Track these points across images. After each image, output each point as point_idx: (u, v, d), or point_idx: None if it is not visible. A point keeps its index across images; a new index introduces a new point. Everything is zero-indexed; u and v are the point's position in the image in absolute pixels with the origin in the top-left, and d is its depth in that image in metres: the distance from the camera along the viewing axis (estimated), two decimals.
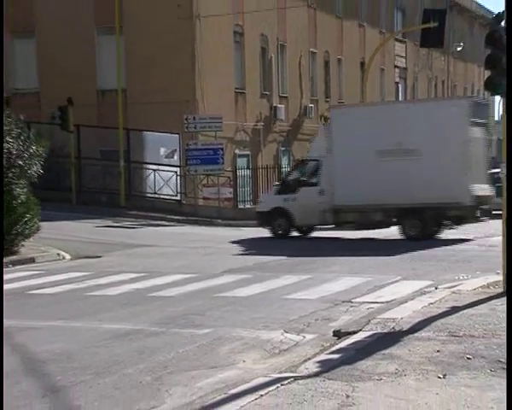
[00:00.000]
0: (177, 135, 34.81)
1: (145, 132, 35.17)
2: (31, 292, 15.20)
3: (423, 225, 24.36)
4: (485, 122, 25.51)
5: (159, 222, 32.02)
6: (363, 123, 24.86)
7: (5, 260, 19.77)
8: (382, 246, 23.37)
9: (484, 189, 24.74)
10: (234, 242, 24.89)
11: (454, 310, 11.45)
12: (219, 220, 32.61)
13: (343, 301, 13.51)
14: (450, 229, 25.34)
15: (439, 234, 24.88)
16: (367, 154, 24.33)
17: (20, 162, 20.99)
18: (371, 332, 10.22)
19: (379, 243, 24.38)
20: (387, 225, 25.46)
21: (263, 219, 26.68)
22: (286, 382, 7.94)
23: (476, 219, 25.25)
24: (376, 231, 25.80)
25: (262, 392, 7.59)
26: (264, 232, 26.62)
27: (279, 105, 41.85)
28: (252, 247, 23.61)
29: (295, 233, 26.58)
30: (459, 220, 24.74)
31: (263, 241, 25.56)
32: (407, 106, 27.86)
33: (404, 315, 11.22)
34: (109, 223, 30.32)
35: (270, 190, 29.50)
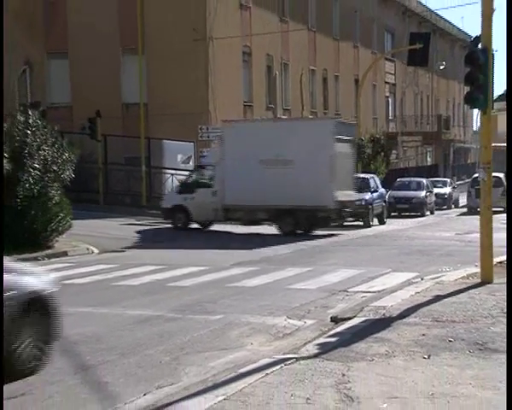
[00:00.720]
0: (192, 143, 34.82)
1: (164, 141, 35.16)
2: (63, 282, 15.20)
3: (296, 224, 25.57)
4: (350, 139, 26.89)
5: None
6: (249, 136, 26.10)
7: (41, 253, 19.82)
8: (269, 239, 24.28)
9: (348, 195, 26.30)
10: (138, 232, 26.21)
11: (438, 298, 11.44)
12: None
13: (340, 291, 13.50)
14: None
15: (312, 231, 25.95)
16: (252, 162, 25.37)
17: (55, 168, 21.03)
18: (364, 318, 10.21)
19: (263, 238, 25.03)
20: (270, 222, 26.59)
21: (166, 213, 27.81)
22: (289, 362, 7.94)
23: (342, 220, 27.16)
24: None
25: (268, 371, 7.60)
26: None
27: (283, 117, 41.80)
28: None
29: (195, 226, 27.69)
30: (326, 221, 25.90)
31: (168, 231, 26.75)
32: (284, 123, 29.13)
33: (394, 303, 11.21)
34: (132, 221, 30.29)
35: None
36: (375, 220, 30.60)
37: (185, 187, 27.72)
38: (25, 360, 8.07)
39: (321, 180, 24.61)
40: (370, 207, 29.94)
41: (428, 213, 37.69)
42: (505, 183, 38.80)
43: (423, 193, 37.76)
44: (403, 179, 40.25)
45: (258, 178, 25.16)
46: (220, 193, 26.16)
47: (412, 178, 41.05)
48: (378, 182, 33.02)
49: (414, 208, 36.62)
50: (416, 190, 37.89)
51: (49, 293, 8.60)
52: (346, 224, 29.17)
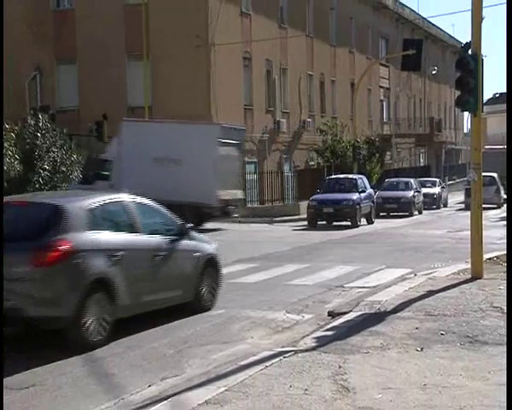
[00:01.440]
0: None
1: None
2: None
3: (183, 218, 25.69)
4: (237, 143, 27.90)
5: None
6: (144, 135, 26.83)
7: None
8: None
9: (231, 193, 27.39)
10: None
11: (430, 293, 11.44)
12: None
13: (336, 286, 13.51)
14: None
15: (200, 226, 26.30)
16: (146, 159, 26.09)
17: (64, 168, 21.09)
18: (360, 312, 10.21)
19: None
20: None
21: None
22: (288, 355, 7.95)
23: (227, 216, 27.92)
24: None
25: (267, 363, 7.60)
26: None
27: (281, 119, 41.79)
28: None
29: None
30: (210, 217, 27.01)
31: None
32: (175, 126, 29.20)
33: (388, 298, 11.21)
34: None
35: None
36: (364, 220, 29.86)
37: (86, 178, 27.67)
38: (206, 300, 11.32)
39: (205, 180, 25.52)
40: (358, 207, 28.92)
41: (417, 212, 36.83)
42: (498, 182, 39.84)
43: (411, 193, 36.80)
44: (391, 180, 39.50)
45: (151, 174, 25.80)
46: (117, 186, 26.78)
47: (400, 179, 40.12)
48: (366, 182, 31.90)
49: (402, 208, 35.66)
50: (404, 190, 36.99)
51: (216, 255, 11.86)
52: (334, 224, 28.78)
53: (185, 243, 11.00)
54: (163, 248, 10.40)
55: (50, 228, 8.88)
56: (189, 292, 10.97)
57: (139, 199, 10.76)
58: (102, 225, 9.50)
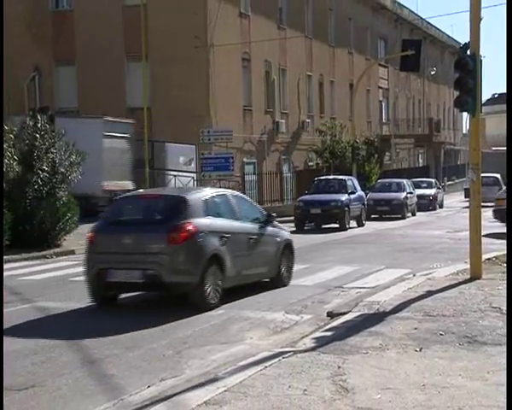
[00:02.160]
0: (193, 146, 34.74)
1: (167, 144, 35.08)
2: (72, 279, 15.22)
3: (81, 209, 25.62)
4: (125, 136, 29.70)
5: None
6: None
7: (50, 252, 19.81)
8: None
9: (119, 184, 28.71)
10: None
11: (429, 294, 11.44)
12: None
13: (335, 287, 13.50)
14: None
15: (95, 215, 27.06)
16: None
17: (62, 170, 21.06)
18: (359, 313, 10.20)
19: None
20: None
21: None
22: (287, 355, 7.94)
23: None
24: None
25: (266, 364, 7.60)
26: None
27: (281, 120, 41.81)
28: None
29: None
30: (96, 206, 27.37)
31: None
32: (62, 120, 28.53)
33: (387, 298, 11.20)
34: None
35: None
36: (354, 223, 29.04)
37: None
38: (285, 277, 13.75)
39: (91, 171, 25.30)
40: (347, 208, 27.89)
41: (410, 214, 35.41)
42: (501, 182, 40.29)
43: (404, 194, 35.25)
44: (383, 181, 38.24)
45: None
46: None
47: (392, 179, 38.69)
48: (356, 184, 30.85)
49: (394, 210, 34.24)
50: (396, 191, 35.52)
51: (291, 240, 14.32)
52: (323, 226, 28.07)
53: (270, 229, 13.46)
54: (255, 232, 12.95)
55: (179, 214, 11.34)
56: (273, 270, 13.41)
57: (236, 193, 14.00)
58: (213, 213, 11.96)
